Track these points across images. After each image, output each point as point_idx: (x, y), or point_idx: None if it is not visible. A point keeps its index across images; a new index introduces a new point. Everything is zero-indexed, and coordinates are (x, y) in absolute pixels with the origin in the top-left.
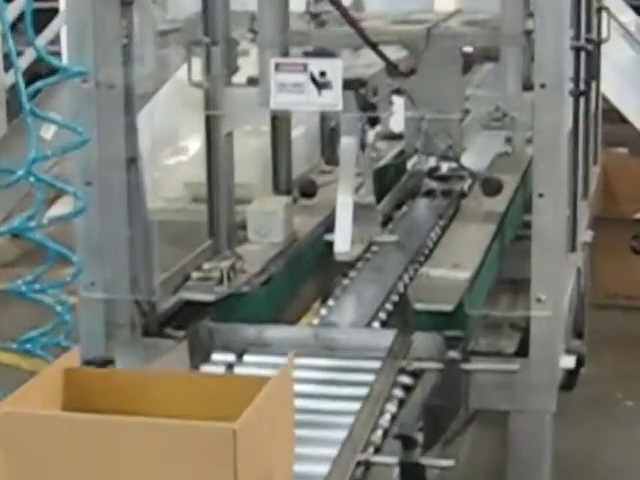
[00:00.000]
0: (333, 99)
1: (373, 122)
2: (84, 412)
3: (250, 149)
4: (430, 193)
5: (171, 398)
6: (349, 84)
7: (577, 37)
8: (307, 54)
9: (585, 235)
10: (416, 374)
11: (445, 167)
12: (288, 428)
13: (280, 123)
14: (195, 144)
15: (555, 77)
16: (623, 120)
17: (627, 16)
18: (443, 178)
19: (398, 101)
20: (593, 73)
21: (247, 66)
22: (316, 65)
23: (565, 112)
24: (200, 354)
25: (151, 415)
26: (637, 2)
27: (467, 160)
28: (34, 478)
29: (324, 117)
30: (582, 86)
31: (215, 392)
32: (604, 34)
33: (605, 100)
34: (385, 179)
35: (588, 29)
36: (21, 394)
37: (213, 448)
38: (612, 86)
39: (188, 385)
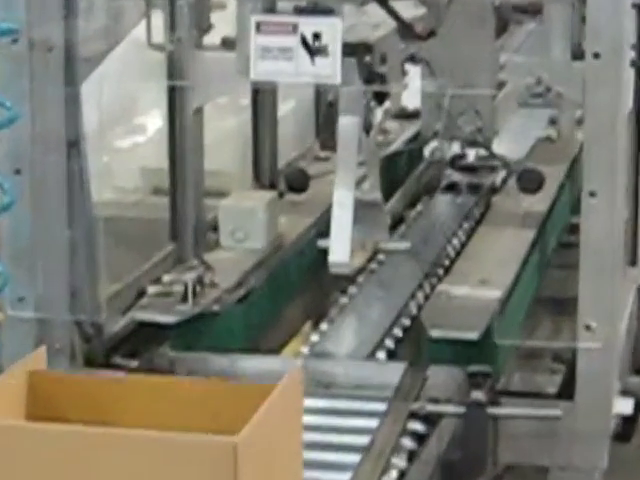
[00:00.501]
0: (330, 69)
1: (381, 98)
2: (51, 421)
3: (226, 128)
4: (453, 187)
5: (155, 407)
6: (350, 49)
7: None
8: (298, 10)
9: None
10: (431, 419)
11: (472, 155)
12: (295, 444)
13: (263, 97)
14: (156, 121)
15: (612, 44)
16: None
17: None
18: (469, 169)
19: (413, 71)
20: None
21: (223, 24)
22: (309, 25)
23: (624, 88)
24: None
25: (131, 427)
26: None
27: (500, 147)
28: None
29: (320, 90)
30: None
31: (209, 401)
32: None
33: None
34: (396, 169)
35: None
36: None
37: (211, 465)
38: None
39: (177, 392)
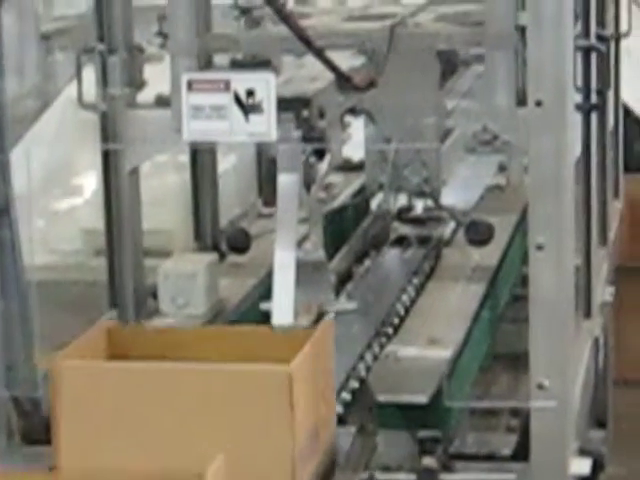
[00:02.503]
0: (265, 126)
1: (320, 153)
2: None
3: (167, 185)
4: (401, 241)
5: (216, 350)
6: (287, 104)
7: (586, 34)
8: (236, 64)
9: (605, 293)
10: None
11: (420, 206)
12: (330, 378)
13: (202, 154)
14: (93, 182)
15: (555, 91)
16: None
17: None
18: (417, 221)
19: (356, 122)
20: (609, 80)
21: (160, 78)
22: (241, 81)
23: (570, 135)
24: None
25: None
26: None
27: (449, 196)
28: (94, 428)
29: (260, 145)
30: (594, 98)
31: (261, 343)
32: (623, 26)
33: (627, 111)
34: (341, 225)
35: (601, 22)
36: (68, 352)
37: (269, 392)
38: (636, 93)
39: (232, 337)
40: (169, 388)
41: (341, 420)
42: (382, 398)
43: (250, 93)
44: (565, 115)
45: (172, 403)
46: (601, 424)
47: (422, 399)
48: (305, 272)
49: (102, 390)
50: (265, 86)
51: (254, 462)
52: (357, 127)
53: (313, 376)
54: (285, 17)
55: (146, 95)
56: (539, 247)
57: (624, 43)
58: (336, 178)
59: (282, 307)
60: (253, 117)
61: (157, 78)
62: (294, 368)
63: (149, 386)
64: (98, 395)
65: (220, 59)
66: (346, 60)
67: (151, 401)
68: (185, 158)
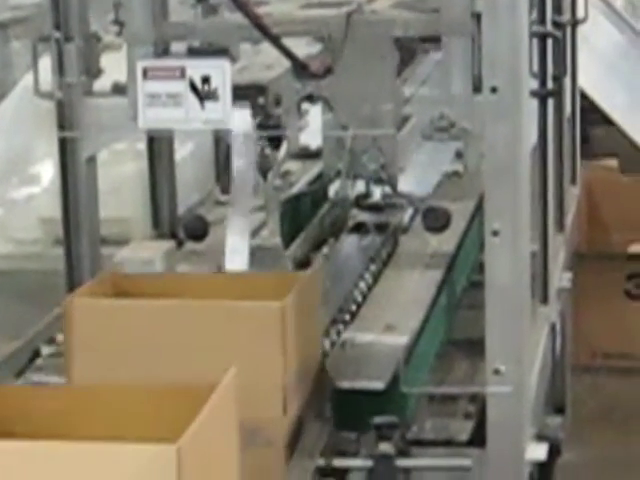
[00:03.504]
0: (220, 113)
1: (277, 141)
2: None
3: (125, 173)
4: (358, 228)
5: (213, 291)
6: (242, 92)
7: (542, 20)
8: (192, 51)
9: (562, 279)
10: (337, 474)
11: (378, 193)
12: (316, 324)
13: (159, 142)
14: (50, 169)
15: (510, 77)
16: (609, 122)
17: None
18: (375, 208)
19: (314, 109)
20: (565, 66)
21: (117, 66)
22: (196, 68)
23: (526, 122)
24: None
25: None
26: None
27: (407, 183)
28: (105, 361)
29: (217, 132)
30: (550, 84)
31: (255, 285)
32: (580, 13)
33: (584, 97)
34: (298, 212)
35: (558, 8)
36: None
37: (263, 325)
38: (593, 79)
39: (227, 280)
40: (172, 322)
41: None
42: (340, 384)
43: (205, 80)
44: (520, 101)
45: (175, 336)
46: (559, 410)
47: (379, 385)
48: (262, 259)
49: (110, 325)
50: (221, 73)
51: (249, 390)
52: (314, 114)
53: (302, 314)
54: (241, 4)
55: (103, 83)
56: (495, 233)
57: (581, 29)
58: (293, 165)
59: None
60: (209, 104)
61: (114, 66)
62: (286, 304)
63: (153, 321)
64: (107, 330)
65: (178, 47)
66: (303, 47)
67: (155, 334)
68: (143, 146)
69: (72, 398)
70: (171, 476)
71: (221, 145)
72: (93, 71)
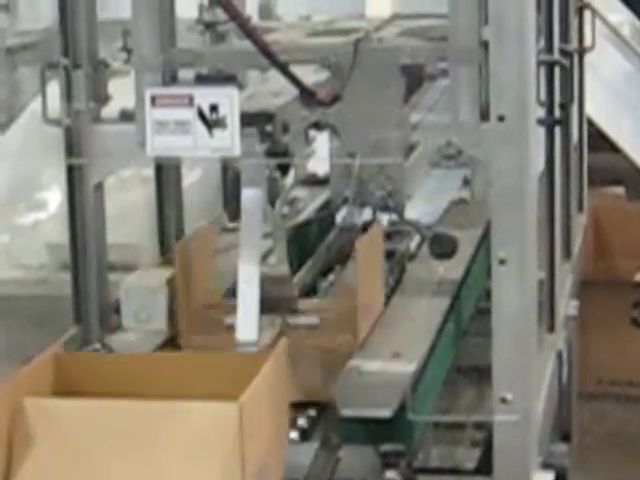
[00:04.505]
0: (229, 141)
1: (285, 168)
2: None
3: (133, 199)
4: None
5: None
6: (250, 119)
7: (549, 48)
8: (200, 78)
9: (568, 307)
10: None
11: (385, 220)
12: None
13: (167, 169)
14: (57, 195)
15: (517, 106)
16: (615, 149)
17: (618, 15)
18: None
19: (321, 136)
20: (572, 94)
21: (125, 92)
22: (205, 96)
23: (533, 150)
24: None
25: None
26: None
27: (414, 210)
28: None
29: (225, 159)
30: (557, 112)
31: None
32: (588, 41)
33: (592, 125)
34: (306, 239)
35: (565, 36)
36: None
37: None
38: (600, 107)
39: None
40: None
41: (305, 434)
42: (346, 412)
43: (214, 108)
44: (527, 130)
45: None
46: (565, 437)
47: (386, 413)
48: (269, 286)
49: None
50: (229, 101)
51: None
52: (322, 141)
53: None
54: (249, 32)
55: (111, 110)
56: (502, 261)
57: (588, 57)
58: (301, 192)
59: (246, 322)
60: (217, 132)
61: (122, 93)
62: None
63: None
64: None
65: (186, 74)
66: (310, 75)
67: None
68: (151, 172)
69: (137, 364)
70: (234, 430)
71: (229, 172)
72: (101, 98)
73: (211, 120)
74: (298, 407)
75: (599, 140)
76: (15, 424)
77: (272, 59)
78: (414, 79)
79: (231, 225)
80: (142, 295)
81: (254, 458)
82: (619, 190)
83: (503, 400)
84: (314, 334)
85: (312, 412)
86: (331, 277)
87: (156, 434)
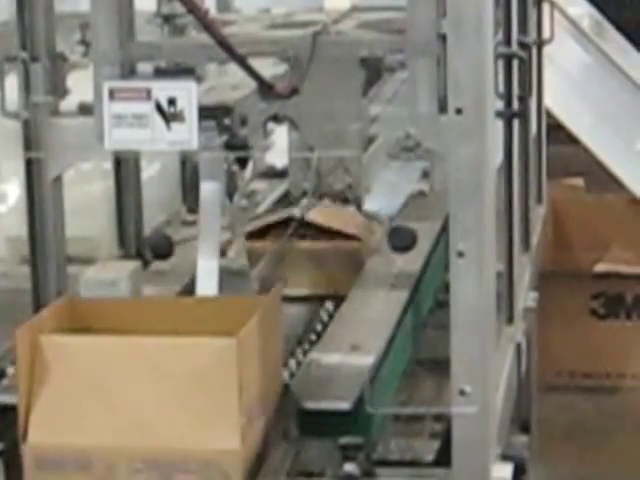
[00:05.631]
0: (187, 134)
1: (243, 161)
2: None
3: (93, 192)
4: None
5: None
6: (208, 113)
7: (507, 41)
8: (159, 71)
9: (527, 299)
10: None
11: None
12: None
13: (126, 162)
14: (17, 189)
15: (475, 98)
16: (574, 141)
17: (577, 8)
18: None
19: (280, 129)
20: (531, 86)
21: (84, 85)
22: (163, 90)
23: (491, 142)
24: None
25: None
26: None
27: (373, 203)
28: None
29: (184, 153)
30: (516, 105)
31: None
32: (546, 33)
33: (551, 117)
34: None
35: (523, 29)
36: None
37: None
38: (559, 99)
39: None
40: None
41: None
42: (305, 405)
43: (172, 101)
44: (485, 122)
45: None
46: (524, 429)
47: (345, 406)
48: (227, 280)
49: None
50: (187, 94)
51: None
52: (281, 134)
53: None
54: (207, 25)
55: (69, 103)
56: (460, 254)
57: (547, 50)
58: (259, 185)
59: None
60: (175, 125)
61: (81, 86)
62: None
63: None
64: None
65: (144, 67)
66: (269, 68)
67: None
68: (109, 165)
69: (141, 308)
70: (232, 364)
71: (187, 165)
72: (59, 91)
73: (169, 113)
74: None
75: (558, 132)
76: (34, 359)
77: (230, 52)
78: (373, 72)
79: (190, 218)
80: (101, 288)
81: (250, 388)
82: (578, 182)
83: (462, 392)
84: None
85: None
86: None
87: (162, 366)
